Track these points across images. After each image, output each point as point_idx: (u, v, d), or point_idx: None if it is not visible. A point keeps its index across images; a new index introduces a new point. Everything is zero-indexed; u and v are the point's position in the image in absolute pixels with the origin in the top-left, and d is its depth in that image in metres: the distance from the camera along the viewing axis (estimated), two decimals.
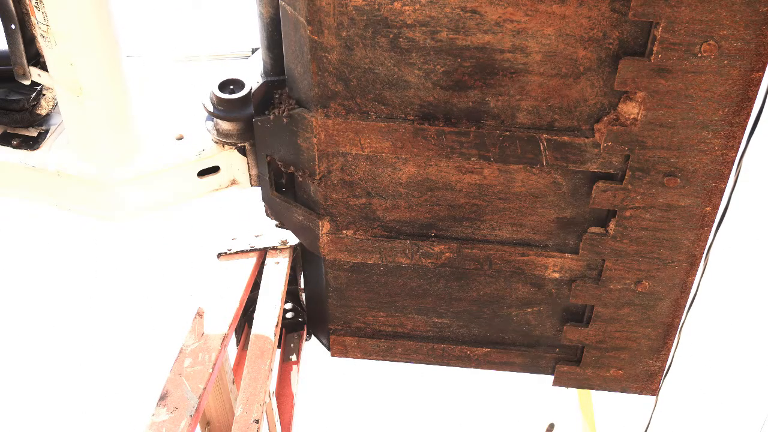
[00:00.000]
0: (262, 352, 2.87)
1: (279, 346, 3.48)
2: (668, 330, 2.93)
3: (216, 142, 2.91)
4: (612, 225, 2.63)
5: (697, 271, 2.74)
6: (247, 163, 2.95)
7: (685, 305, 2.86)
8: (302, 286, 3.47)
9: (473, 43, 2.29)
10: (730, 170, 2.45)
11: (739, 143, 2.38)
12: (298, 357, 3.46)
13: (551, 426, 5.84)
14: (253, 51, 2.93)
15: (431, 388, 6.12)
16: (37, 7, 2.41)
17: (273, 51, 2.68)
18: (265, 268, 3.21)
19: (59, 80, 2.59)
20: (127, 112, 2.76)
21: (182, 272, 6.73)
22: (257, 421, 2.64)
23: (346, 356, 3.30)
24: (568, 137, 2.43)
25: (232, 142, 2.88)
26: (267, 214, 3.07)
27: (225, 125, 2.85)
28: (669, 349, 3.01)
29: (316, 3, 2.26)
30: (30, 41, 2.64)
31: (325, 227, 2.82)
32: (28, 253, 7.07)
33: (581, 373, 3.13)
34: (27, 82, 2.73)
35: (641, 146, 2.40)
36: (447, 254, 2.82)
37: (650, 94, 2.29)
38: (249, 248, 3.27)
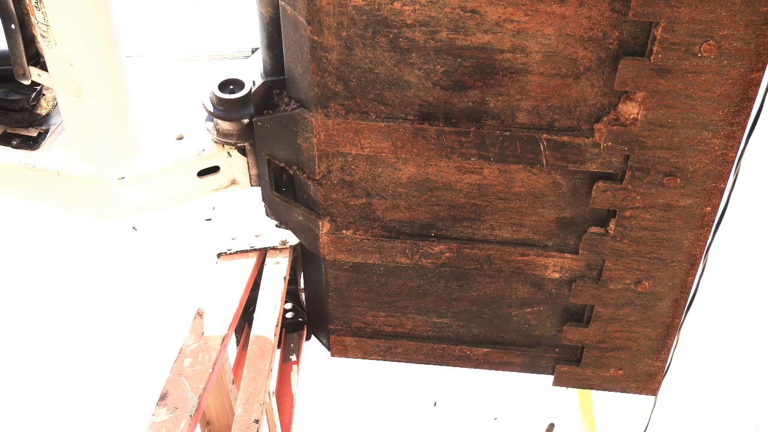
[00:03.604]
0: (262, 352, 2.87)
1: (279, 346, 3.48)
2: (668, 330, 2.93)
3: (216, 142, 2.91)
4: (612, 225, 2.63)
5: (697, 271, 2.74)
6: (247, 163, 2.95)
7: (685, 305, 2.86)
8: (302, 286, 3.47)
9: (473, 43, 2.29)
10: (730, 170, 2.45)
11: (739, 143, 2.38)
12: (298, 357, 3.46)
13: (551, 426, 5.85)
14: (253, 51, 2.93)
15: (431, 388, 6.11)
16: (37, 7, 2.41)
17: (273, 51, 2.68)
18: (265, 268, 3.21)
19: (59, 80, 2.59)
20: (127, 112, 2.76)
21: (182, 272, 6.73)
22: (257, 421, 2.64)
23: (346, 356, 3.30)
24: (568, 137, 2.43)
25: (232, 142, 2.88)
26: (267, 214, 3.07)
27: (225, 125, 2.85)
28: (669, 349, 3.01)
29: (316, 3, 2.26)
30: (30, 41, 2.64)
31: (325, 227, 2.82)
32: (28, 253, 7.07)
33: (581, 373, 3.13)
34: (27, 82, 2.73)
35: (641, 146, 2.40)
36: (447, 254, 2.82)
37: (650, 94, 2.29)
38: (249, 248, 3.27)
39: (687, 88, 2.26)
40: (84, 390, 6.05)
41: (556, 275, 2.82)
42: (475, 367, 3.23)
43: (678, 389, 5.88)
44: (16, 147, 2.86)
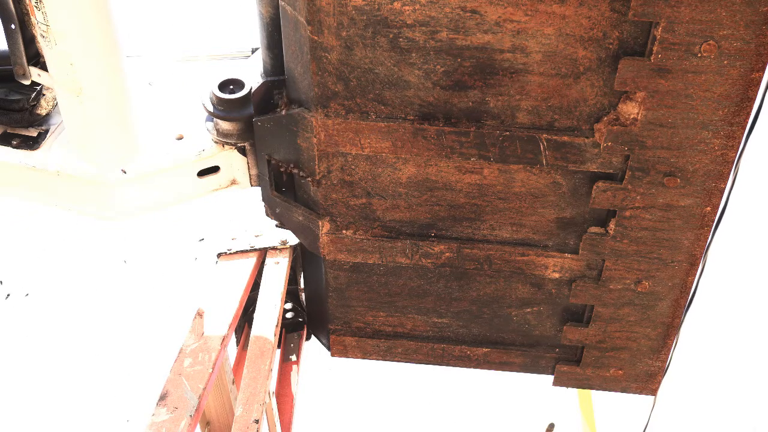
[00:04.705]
0: (262, 352, 2.87)
1: (279, 346, 3.48)
2: (668, 330, 2.93)
3: (216, 142, 2.91)
4: (612, 225, 2.63)
5: (696, 271, 2.74)
6: (247, 163, 2.95)
7: (685, 305, 2.86)
8: (302, 286, 3.47)
9: (473, 43, 2.29)
10: (730, 170, 2.45)
11: (739, 143, 2.38)
12: (298, 357, 3.46)
13: (551, 426, 5.84)
14: (253, 51, 2.93)
15: (431, 388, 6.12)
16: (37, 7, 2.41)
17: (273, 51, 2.68)
18: (265, 268, 3.21)
19: (59, 80, 2.59)
20: (127, 112, 2.76)
21: (182, 272, 6.73)
22: (257, 421, 2.64)
23: (346, 356, 3.30)
24: (568, 137, 2.43)
25: (232, 142, 2.88)
26: (267, 214, 3.07)
27: (225, 125, 2.85)
28: (669, 349, 3.01)
29: (316, 3, 2.26)
30: (30, 41, 2.64)
31: (325, 227, 2.82)
32: (28, 253, 7.07)
33: (581, 373, 3.13)
34: (27, 82, 2.73)
35: (641, 146, 2.40)
36: (447, 254, 2.82)
37: (650, 94, 2.29)
38: (249, 248, 3.27)
39: (687, 88, 2.26)
40: (84, 390, 6.05)
41: (556, 275, 2.82)
42: (475, 367, 3.23)
43: (678, 389, 5.88)
44: (16, 147, 2.86)
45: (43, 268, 6.94)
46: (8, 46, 2.64)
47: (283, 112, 2.64)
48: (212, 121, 2.89)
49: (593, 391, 5.33)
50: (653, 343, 2.97)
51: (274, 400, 3.19)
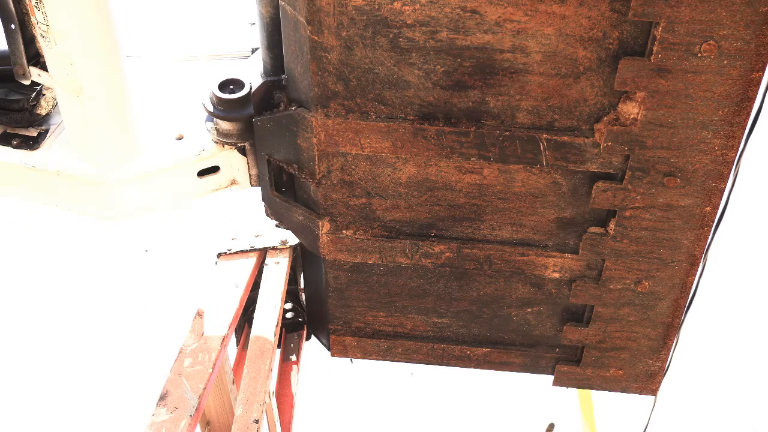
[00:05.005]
0: (262, 352, 2.87)
1: (279, 346, 3.48)
2: (668, 330, 2.93)
3: (216, 142, 2.91)
4: (612, 225, 2.63)
5: (697, 271, 2.74)
6: (247, 163, 2.95)
7: (685, 305, 2.86)
8: (302, 286, 3.47)
9: (473, 43, 2.29)
10: (730, 170, 2.45)
11: (739, 143, 2.38)
12: (298, 357, 3.46)
13: (551, 426, 5.84)
14: (253, 51, 2.93)
15: (431, 388, 6.12)
16: (37, 7, 2.41)
17: (273, 51, 2.68)
18: (265, 268, 3.21)
19: (59, 80, 2.59)
20: (127, 112, 2.76)
21: (182, 272, 6.73)
22: (257, 421, 2.64)
23: (346, 356, 3.30)
24: (568, 137, 2.43)
25: (232, 142, 2.88)
26: (267, 214, 3.07)
27: (225, 125, 2.85)
28: (669, 349, 3.01)
29: (316, 3, 2.26)
30: (30, 41, 2.64)
31: (325, 227, 2.82)
32: (28, 253, 7.07)
33: (581, 373, 3.13)
34: (27, 82, 2.73)
35: (641, 146, 2.40)
36: (447, 254, 2.82)
37: (650, 94, 2.29)
38: (249, 248, 3.27)
39: (687, 88, 2.26)
40: (84, 390, 6.05)
41: (556, 275, 2.82)
42: (475, 367, 3.23)
43: (678, 389, 5.88)
44: (16, 147, 2.86)
45: (43, 268, 6.94)
46: (8, 46, 2.64)
47: (283, 112, 2.63)
48: (212, 121, 2.89)
49: (593, 391, 5.33)
50: (653, 343, 2.97)
51: (274, 400, 3.19)
